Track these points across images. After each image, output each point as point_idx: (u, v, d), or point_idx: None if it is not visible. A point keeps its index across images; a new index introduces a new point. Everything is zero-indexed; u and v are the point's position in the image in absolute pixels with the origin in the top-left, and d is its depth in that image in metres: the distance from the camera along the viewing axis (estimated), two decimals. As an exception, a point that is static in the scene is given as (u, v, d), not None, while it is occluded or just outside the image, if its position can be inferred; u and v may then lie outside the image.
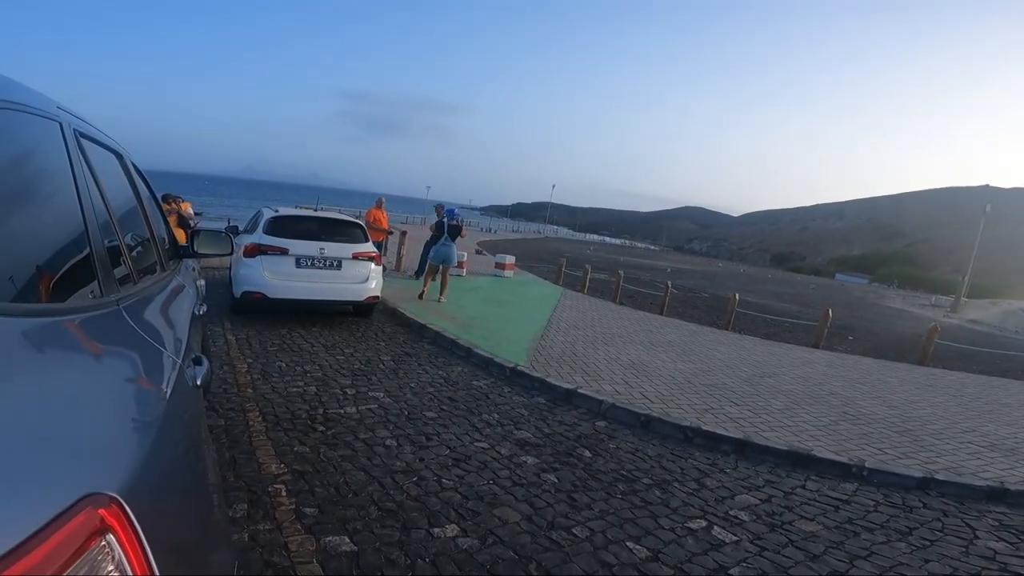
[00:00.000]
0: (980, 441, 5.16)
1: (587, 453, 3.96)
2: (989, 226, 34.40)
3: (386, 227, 11.67)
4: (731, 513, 3.32)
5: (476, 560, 2.53)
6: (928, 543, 3.24)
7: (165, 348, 1.22)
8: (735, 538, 3.03)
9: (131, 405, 0.84)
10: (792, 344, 10.20)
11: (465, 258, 12.22)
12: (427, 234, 10.08)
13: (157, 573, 0.60)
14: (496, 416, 4.48)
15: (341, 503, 2.87)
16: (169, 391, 1.01)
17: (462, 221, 9.78)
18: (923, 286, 71.09)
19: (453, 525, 2.80)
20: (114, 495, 0.57)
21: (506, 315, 8.73)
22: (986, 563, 3.08)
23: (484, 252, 22.18)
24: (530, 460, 3.72)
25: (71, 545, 0.49)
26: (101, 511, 0.54)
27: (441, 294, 9.14)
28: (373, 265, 7.24)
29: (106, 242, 1.21)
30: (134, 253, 1.62)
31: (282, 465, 3.20)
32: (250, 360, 5.15)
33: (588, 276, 14.06)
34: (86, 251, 1.08)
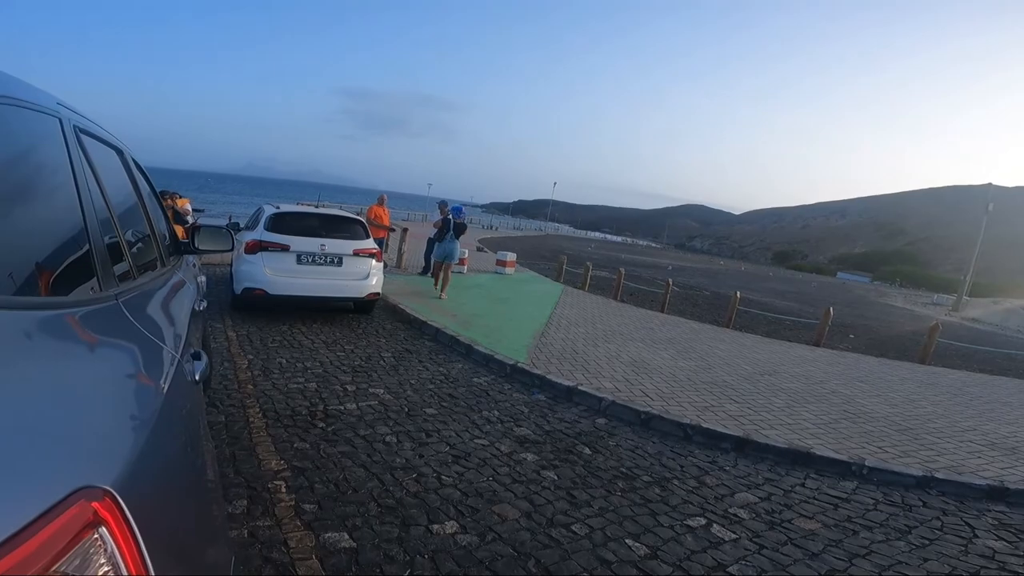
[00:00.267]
0: (980, 440, 5.15)
1: (587, 450, 3.97)
2: (991, 225, 34.33)
3: (387, 224, 11.67)
4: (730, 511, 3.32)
5: (475, 557, 2.54)
6: (927, 542, 3.24)
7: (163, 343, 1.22)
8: (734, 536, 3.04)
9: (127, 399, 0.84)
10: (793, 342, 10.20)
11: (466, 255, 12.23)
12: (428, 231, 10.10)
13: (151, 567, 0.60)
14: (496, 413, 4.49)
15: (341, 499, 2.88)
16: (167, 386, 1.01)
17: (465, 219, 9.82)
18: (925, 284, 70.98)
19: (452, 522, 2.81)
20: (108, 488, 0.57)
21: (507, 312, 8.73)
22: (985, 562, 3.08)
23: (485, 249, 22.17)
24: (530, 457, 3.73)
25: (63, 538, 0.49)
26: (94, 504, 0.54)
27: (442, 291, 9.20)
28: (374, 262, 7.24)
29: (105, 237, 1.21)
30: (134, 249, 1.62)
31: (282, 461, 3.21)
32: (251, 356, 5.16)
33: (589, 273, 14.05)
34: (85, 246, 1.08)
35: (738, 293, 11.70)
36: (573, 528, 2.90)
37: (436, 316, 7.47)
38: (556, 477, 3.48)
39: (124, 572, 0.56)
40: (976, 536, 3.39)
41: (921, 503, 3.79)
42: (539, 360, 5.90)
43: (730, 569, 2.71)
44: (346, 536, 2.57)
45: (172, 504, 0.83)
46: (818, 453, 4.22)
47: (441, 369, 5.54)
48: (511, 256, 14.41)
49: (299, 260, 6.71)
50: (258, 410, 3.93)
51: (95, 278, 1.08)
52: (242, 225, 8.25)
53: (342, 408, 4.17)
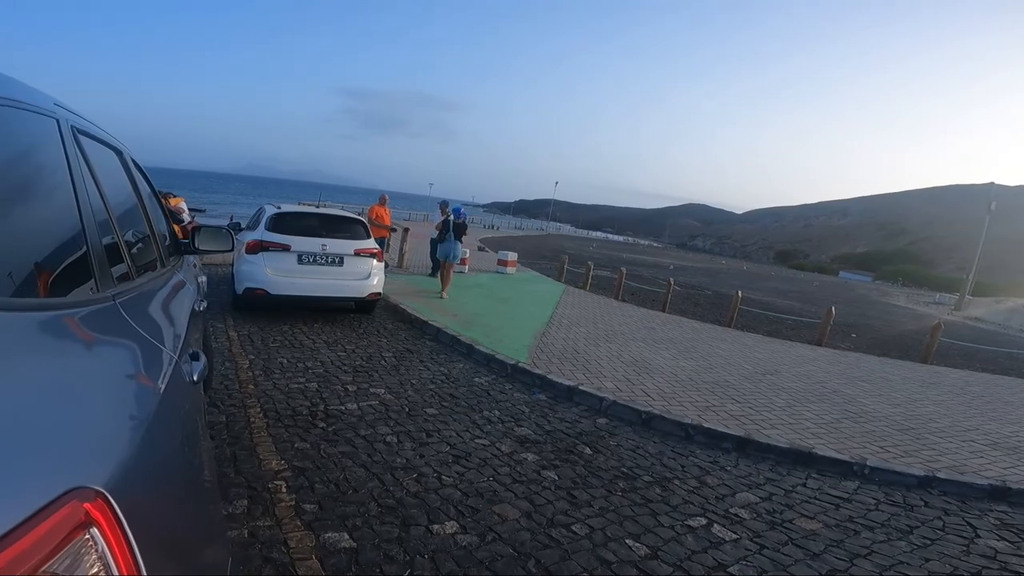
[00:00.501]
0: (983, 440, 5.14)
1: (587, 450, 3.96)
2: (994, 224, 34.23)
3: (389, 224, 11.68)
4: (731, 511, 3.32)
5: (475, 557, 2.54)
6: (929, 542, 3.23)
7: (160, 343, 1.22)
8: (735, 536, 3.03)
9: (122, 400, 0.84)
10: (795, 341, 10.19)
11: (467, 255, 12.24)
12: (429, 231, 10.16)
13: (143, 567, 0.60)
14: (497, 413, 4.49)
15: (341, 499, 2.88)
16: (163, 386, 1.01)
17: (465, 219, 9.87)
18: (927, 284, 70.84)
19: (452, 522, 2.80)
20: (100, 489, 0.57)
21: (508, 312, 8.73)
22: (987, 562, 3.07)
23: (487, 249, 22.17)
24: (530, 457, 3.73)
25: (54, 538, 0.49)
26: (86, 505, 0.55)
27: (443, 289, 9.24)
28: (375, 262, 7.25)
29: (103, 238, 1.21)
30: (133, 250, 1.62)
31: (282, 461, 3.21)
32: (252, 356, 5.16)
33: (590, 273, 14.05)
34: (81, 247, 1.08)
35: (739, 292, 11.69)
36: (573, 528, 2.90)
37: (437, 316, 7.48)
38: (556, 477, 3.48)
39: (115, 572, 0.56)
40: (978, 536, 3.38)
41: (923, 503, 3.78)
42: (540, 360, 5.90)
43: (731, 569, 2.70)
44: (346, 536, 2.57)
45: (167, 505, 0.82)
46: (820, 453, 4.21)
47: (442, 369, 5.54)
48: (512, 256, 14.41)
49: (300, 260, 6.71)
50: (259, 410, 3.93)
51: (92, 279, 1.08)
52: (243, 225, 8.26)
53: (343, 408, 4.17)
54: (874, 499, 3.75)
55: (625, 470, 3.71)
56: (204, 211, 13.78)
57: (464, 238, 9.83)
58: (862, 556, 2.97)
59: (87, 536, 0.54)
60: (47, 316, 0.84)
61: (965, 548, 3.21)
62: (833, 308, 10.69)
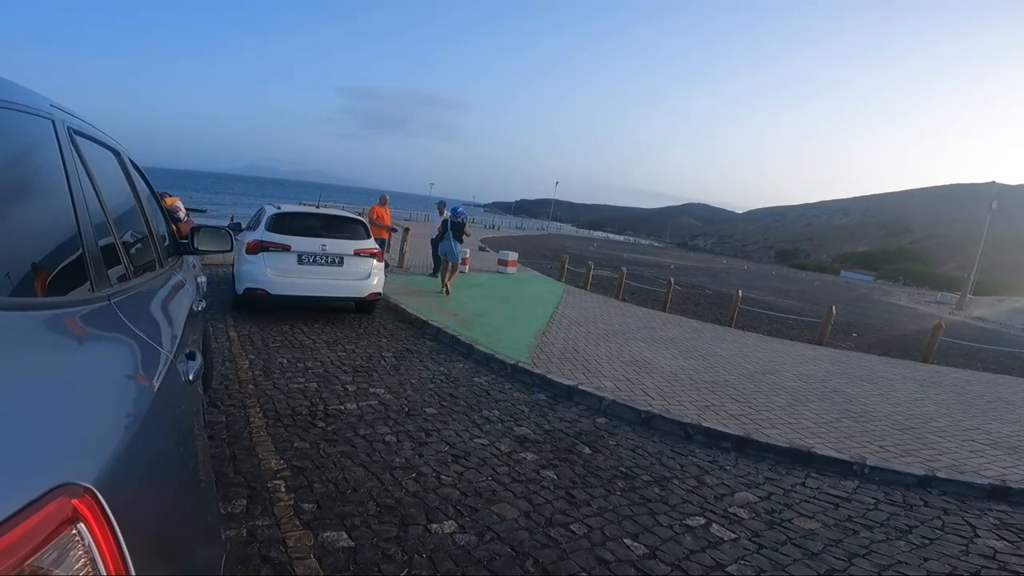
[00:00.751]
0: (983, 439, 5.13)
1: (587, 450, 3.97)
2: (995, 223, 34.18)
3: (389, 224, 11.69)
4: (730, 510, 3.32)
5: (473, 556, 2.54)
6: (928, 541, 3.23)
7: (156, 342, 1.23)
8: (733, 535, 3.03)
9: (116, 398, 0.85)
10: (795, 341, 10.18)
11: (468, 254, 12.24)
12: (430, 231, 10.22)
13: (130, 563, 0.61)
14: (496, 413, 4.49)
15: (340, 499, 2.89)
16: (158, 385, 1.02)
17: (465, 219, 9.88)
18: (929, 283, 70.71)
19: (451, 521, 2.81)
20: (88, 486, 0.58)
21: (508, 311, 8.73)
22: (986, 562, 3.07)
23: (487, 248, 22.18)
24: (529, 457, 3.73)
25: (40, 533, 0.50)
26: (74, 501, 0.55)
27: (444, 289, 9.30)
28: (375, 262, 7.26)
29: (99, 238, 1.22)
30: (131, 250, 1.63)
31: (282, 461, 3.22)
32: (252, 356, 5.17)
33: (591, 273, 14.04)
34: (77, 247, 1.08)
35: (740, 292, 11.68)
36: (572, 528, 2.90)
37: (437, 316, 7.48)
38: (555, 476, 3.48)
39: (102, 568, 0.56)
40: (977, 536, 3.38)
41: (922, 502, 3.78)
42: (540, 359, 5.90)
43: (729, 569, 2.70)
44: (344, 535, 2.57)
45: (158, 503, 0.83)
46: (819, 452, 4.21)
47: (442, 369, 5.55)
48: (513, 255, 14.41)
49: (300, 260, 6.72)
50: (258, 410, 3.94)
51: (88, 279, 1.09)
52: (243, 225, 8.27)
53: (342, 408, 4.18)
54: (873, 499, 3.74)
55: (624, 469, 3.72)
56: (205, 211, 13.81)
57: (465, 238, 9.85)
58: (861, 556, 2.96)
59: (74, 531, 0.54)
60: (41, 315, 0.84)
61: (964, 548, 3.21)
62: (834, 307, 10.68)
